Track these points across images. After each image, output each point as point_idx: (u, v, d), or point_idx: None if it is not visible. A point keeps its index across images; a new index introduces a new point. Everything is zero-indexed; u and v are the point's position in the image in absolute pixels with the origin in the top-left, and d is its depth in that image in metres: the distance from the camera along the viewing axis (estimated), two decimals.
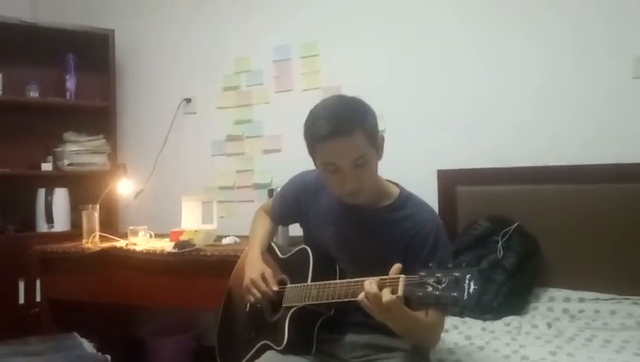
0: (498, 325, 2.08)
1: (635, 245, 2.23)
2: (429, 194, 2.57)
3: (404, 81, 2.75)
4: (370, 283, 1.23)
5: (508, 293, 2.23)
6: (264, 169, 3.03)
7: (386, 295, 1.19)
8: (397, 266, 1.23)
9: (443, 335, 1.95)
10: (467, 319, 2.17)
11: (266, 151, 3.04)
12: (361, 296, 1.25)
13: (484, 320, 2.15)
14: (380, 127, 2.84)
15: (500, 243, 2.34)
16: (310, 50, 2.94)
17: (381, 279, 1.23)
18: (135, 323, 3.22)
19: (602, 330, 1.97)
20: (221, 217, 2.94)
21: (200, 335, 3.07)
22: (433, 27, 2.69)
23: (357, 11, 2.84)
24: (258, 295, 1.58)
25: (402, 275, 1.20)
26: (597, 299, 2.21)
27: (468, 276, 1.09)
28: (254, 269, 1.64)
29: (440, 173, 2.63)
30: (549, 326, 2.03)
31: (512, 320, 2.11)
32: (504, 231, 2.34)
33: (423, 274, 1.16)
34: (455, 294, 1.09)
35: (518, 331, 2.01)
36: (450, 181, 2.60)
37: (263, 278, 1.60)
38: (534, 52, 2.51)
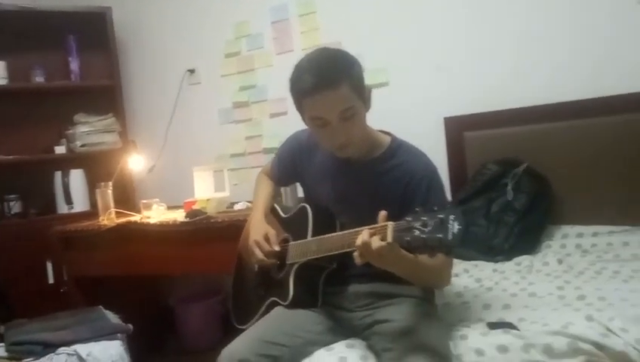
0: (509, 266, 2.10)
1: None
2: (437, 143, 2.59)
3: (404, 32, 2.70)
4: (361, 234, 1.25)
5: (519, 234, 2.24)
6: (272, 133, 3.03)
7: (375, 242, 1.20)
8: (382, 214, 1.24)
9: (453, 279, 1.98)
10: (479, 262, 2.19)
11: (273, 115, 3.04)
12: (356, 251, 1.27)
13: (496, 262, 2.16)
14: (384, 79, 2.83)
15: (510, 185, 2.32)
16: (307, 7, 2.90)
17: (370, 228, 1.24)
18: (164, 293, 3.32)
19: (613, 262, 1.96)
20: (235, 184, 2.99)
21: (226, 300, 3.15)
22: None
23: None
24: (261, 255, 1.62)
25: (390, 222, 1.21)
26: (611, 231, 2.19)
27: (451, 217, 1.10)
28: (257, 230, 1.68)
29: (447, 121, 2.61)
30: (560, 262, 2.03)
31: (524, 259, 2.12)
32: (513, 172, 2.33)
33: (409, 219, 1.17)
34: (440, 236, 1.10)
35: (529, 269, 2.02)
36: (456, 127, 2.58)
37: (266, 238, 1.63)
38: None
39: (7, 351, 1.97)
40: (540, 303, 1.64)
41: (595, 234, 2.20)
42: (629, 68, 2.27)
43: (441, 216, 1.11)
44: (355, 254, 1.27)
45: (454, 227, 1.09)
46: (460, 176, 2.54)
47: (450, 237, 1.08)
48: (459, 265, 2.17)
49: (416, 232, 1.14)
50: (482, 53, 2.55)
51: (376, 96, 2.87)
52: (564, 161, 2.33)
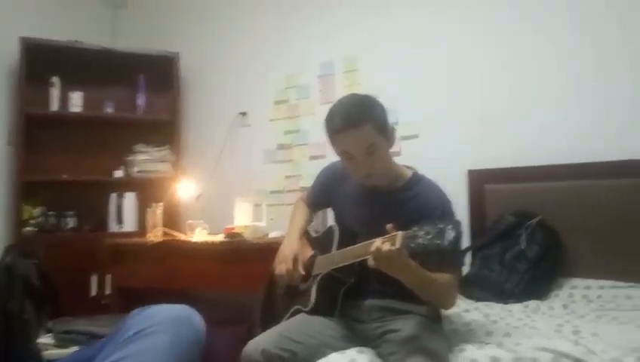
0: (517, 307, 2.24)
1: None
2: (460, 193, 2.80)
3: (436, 90, 2.99)
4: (374, 241, 1.47)
5: (530, 281, 2.39)
6: (310, 173, 3.27)
7: (385, 246, 1.42)
8: (389, 226, 1.46)
9: (463, 313, 2.14)
10: (489, 303, 2.34)
11: (312, 158, 3.32)
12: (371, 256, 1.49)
13: (506, 303, 2.31)
14: (415, 131, 3.08)
15: (524, 235, 2.49)
16: (351, 65, 3.24)
17: (383, 237, 1.46)
18: None
19: (614, 310, 2.10)
20: (271, 219, 3.22)
21: (252, 328, 3.32)
22: (462, 40, 2.95)
23: (391, 28, 3.14)
24: (285, 273, 1.86)
25: (400, 231, 1.43)
26: (615, 286, 2.32)
27: (449, 226, 1.32)
28: (288, 250, 1.92)
29: (470, 173, 2.83)
30: (565, 307, 2.19)
31: (532, 303, 2.27)
32: (527, 224, 2.50)
33: (415, 228, 1.39)
34: (438, 242, 1.32)
35: (535, 311, 2.17)
36: (479, 180, 2.80)
37: (294, 260, 1.87)
38: (557, 56, 2.71)
39: (55, 338, 2.23)
40: (538, 334, 1.79)
41: (601, 287, 2.33)
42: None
43: (440, 226, 1.34)
44: (370, 258, 1.48)
45: (450, 235, 1.30)
46: (479, 224, 2.73)
47: (446, 243, 1.30)
48: (471, 304, 2.33)
49: (420, 239, 1.36)
50: (506, 113, 2.81)
51: (407, 147, 3.13)
52: (578, 218, 2.50)
